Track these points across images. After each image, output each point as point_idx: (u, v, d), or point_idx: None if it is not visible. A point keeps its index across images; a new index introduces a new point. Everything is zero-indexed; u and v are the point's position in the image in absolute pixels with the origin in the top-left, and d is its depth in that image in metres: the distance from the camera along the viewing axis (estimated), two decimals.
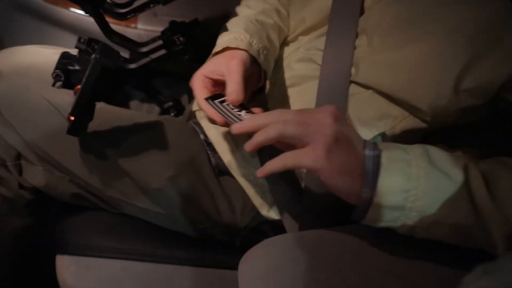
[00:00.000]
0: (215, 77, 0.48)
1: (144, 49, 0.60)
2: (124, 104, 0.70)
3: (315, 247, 0.41)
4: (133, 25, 0.83)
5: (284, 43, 0.62)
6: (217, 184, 0.55)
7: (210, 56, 0.53)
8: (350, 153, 0.36)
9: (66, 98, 0.54)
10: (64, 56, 0.61)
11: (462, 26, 0.42)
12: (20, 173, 0.53)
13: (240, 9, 0.62)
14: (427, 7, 0.45)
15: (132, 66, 0.61)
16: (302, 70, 0.55)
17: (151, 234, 0.55)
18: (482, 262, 0.36)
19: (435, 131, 0.48)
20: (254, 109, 0.45)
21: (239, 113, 0.43)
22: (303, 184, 0.51)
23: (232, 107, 0.44)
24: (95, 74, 0.44)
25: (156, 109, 0.70)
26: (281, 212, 0.53)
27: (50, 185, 0.53)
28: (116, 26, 0.83)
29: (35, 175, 0.53)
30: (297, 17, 0.60)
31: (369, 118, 0.48)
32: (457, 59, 0.42)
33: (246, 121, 0.39)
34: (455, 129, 0.47)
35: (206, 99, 0.46)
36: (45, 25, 0.86)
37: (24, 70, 0.59)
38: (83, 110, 0.47)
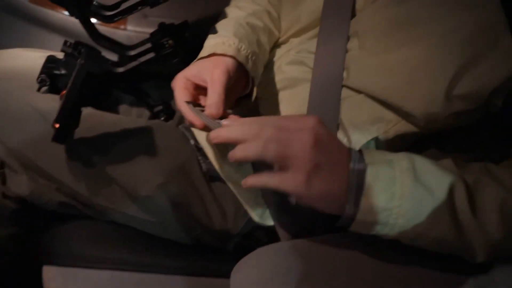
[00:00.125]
0: (197, 82, 0.47)
1: (133, 53, 0.59)
2: (113, 108, 0.68)
3: (308, 255, 0.40)
4: (122, 27, 0.82)
5: (275, 45, 0.61)
6: (208, 190, 0.54)
7: (196, 59, 0.52)
8: (331, 177, 0.36)
9: (52, 103, 0.53)
10: (50, 60, 0.59)
11: (455, 30, 0.41)
12: (4, 182, 0.51)
13: (230, 10, 0.61)
14: (419, 11, 0.44)
15: (120, 70, 0.60)
16: (293, 72, 0.54)
17: (141, 243, 0.54)
18: (475, 267, 0.37)
19: (428, 135, 0.47)
20: (232, 117, 0.43)
21: (217, 121, 0.43)
22: None
23: None
24: (80, 80, 0.42)
25: (146, 113, 0.68)
26: (274, 218, 0.52)
27: (35, 194, 0.52)
28: (105, 27, 0.81)
29: (19, 184, 0.51)
30: (289, 18, 0.59)
31: (362, 122, 0.47)
32: (449, 64, 0.41)
33: (223, 131, 0.38)
34: (448, 132, 0.47)
35: (187, 102, 0.45)
36: (31, 26, 0.84)
37: (7, 74, 0.57)
38: (68, 117, 0.45)
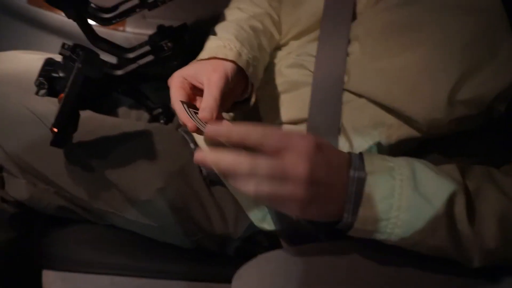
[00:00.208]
0: (194, 83, 0.46)
1: (131, 55, 0.58)
2: (112, 110, 0.68)
3: (309, 263, 0.40)
4: (121, 28, 0.81)
5: (275, 47, 0.60)
6: (209, 194, 0.54)
7: (196, 60, 0.51)
8: (329, 199, 0.36)
9: (50, 106, 0.53)
10: (48, 63, 0.58)
11: (456, 35, 0.41)
12: (3, 186, 0.51)
13: (231, 12, 0.60)
14: (421, 15, 0.43)
15: (119, 72, 0.59)
16: (293, 76, 0.53)
17: (141, 247, 0.54)
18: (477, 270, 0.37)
19: (430, 140, 0.47)
20: (225, 123, 0.43)
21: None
22: None
23: None
24: (78, 84, 0.42)
25: (145, 115, 0.68)
26: (275, 223, 0.51)
27: (34, 198, 0.51)
28: (103, 29, 0.81)
29: (18, 189, 0.51)
30: (288, 20, 0.58)
31: (364, 127, 0.46)
32: (452, 69, 0.41)
33: (211, 155, 0.35)
34: (450, 137, 0.46)
35: (182, 102, 0.44)
36: (30, 28, 0.83)
37: (5, 77, 0.57)
38: (66, 122, 0.45)
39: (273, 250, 0.42)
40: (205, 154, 0.35)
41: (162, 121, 0.66)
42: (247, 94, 0.51)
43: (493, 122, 0.44)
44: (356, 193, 0.35)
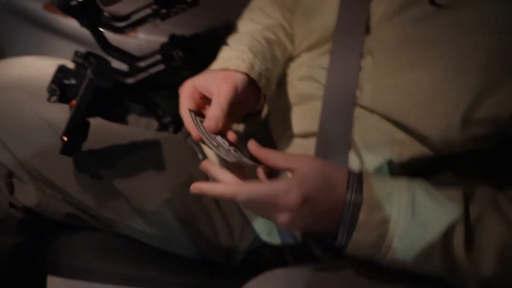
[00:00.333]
0: (204, 92, 0.46)
1: (143, 64, 0.59)
2: (122, 118, 0.68)
3: (315, 281, 0.39)
4: (133, 35, 0.82)
5: (288, 59, 0.59)
6: (216, 206, 0.53)
7: (208, 69, 0.51)
8: (319, 221, 0.37)
9: (61, 113, 0.53)
10: (60, 70, 0.59)
11: (472, 56, 0.40)
12: (12, 191, 0.51)
13: (244, 23, 0.60)
14: (436, 32, 0.42)
15: (130, 81, 0.60)
16: (305, 88, 0.53)
17: (147, 257, 0.53)
18: None
19: (443, 158, 0.45)
20: (230, 134, 0.44)
21: (215, 135, 0.42)
22: None
23: None
24: (89, 94, 0.42)
25: (155, 123, 0.68)
26: (281, 237, 0.50)
27: (42, 204, 0.51)
28: (116, 35, 0.81)
29: (27, 194, 0.51)
30: (301, 32, 0.58)
31: (375, 143, 0.46)
32: (466, 90, 0.40)
33: (207, 186, 0.39)
34: (464, 155, 0.45)
35: (190, 110, 0.44)
36: (45, 33, 0.84)
37: (18, 83, 0.58)
38: (76, 131, 0.45)
39: (278, 268, 0.41)
40: (201, 186, 0.39)
41: (171, 129, 0.66)
42: (259, 106, 0.51)
43: (507, 141, 0.43)
44: (351, 215, 0.35)
